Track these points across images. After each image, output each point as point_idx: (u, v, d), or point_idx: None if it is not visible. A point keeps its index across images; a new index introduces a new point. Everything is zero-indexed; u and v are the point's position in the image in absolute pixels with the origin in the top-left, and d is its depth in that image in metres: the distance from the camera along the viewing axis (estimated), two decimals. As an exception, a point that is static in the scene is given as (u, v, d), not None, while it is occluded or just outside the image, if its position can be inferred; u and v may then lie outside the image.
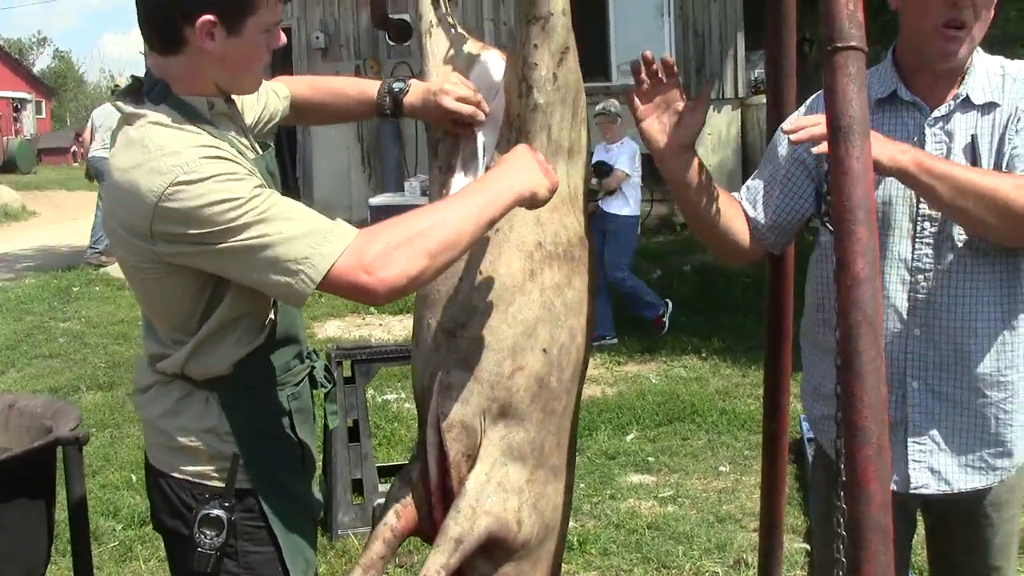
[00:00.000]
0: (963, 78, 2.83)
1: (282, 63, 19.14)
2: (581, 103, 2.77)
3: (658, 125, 2.73)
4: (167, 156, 2.21)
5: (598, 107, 10.32)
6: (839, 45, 2.15)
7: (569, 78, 2.70)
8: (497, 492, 2.60)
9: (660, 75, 2.69)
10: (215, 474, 2.49)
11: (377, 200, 15.84)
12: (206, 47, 2.32)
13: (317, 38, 18.03)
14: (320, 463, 6.24)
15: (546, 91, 2.66)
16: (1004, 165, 2.74)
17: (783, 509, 3.72)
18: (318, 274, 2.18)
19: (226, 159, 2.26)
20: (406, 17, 3.08)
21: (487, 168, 2.75)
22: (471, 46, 2.96)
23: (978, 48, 2.84)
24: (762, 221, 3.01)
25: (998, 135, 2.78)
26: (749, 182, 3.08)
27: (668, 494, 6.43)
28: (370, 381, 6.37)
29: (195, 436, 2.48)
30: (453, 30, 2.99)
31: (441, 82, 2.84)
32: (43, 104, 57.74)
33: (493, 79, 2.87)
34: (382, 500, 5.88)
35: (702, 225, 2.92)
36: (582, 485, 6.53)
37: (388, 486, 6.03)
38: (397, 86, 2.92)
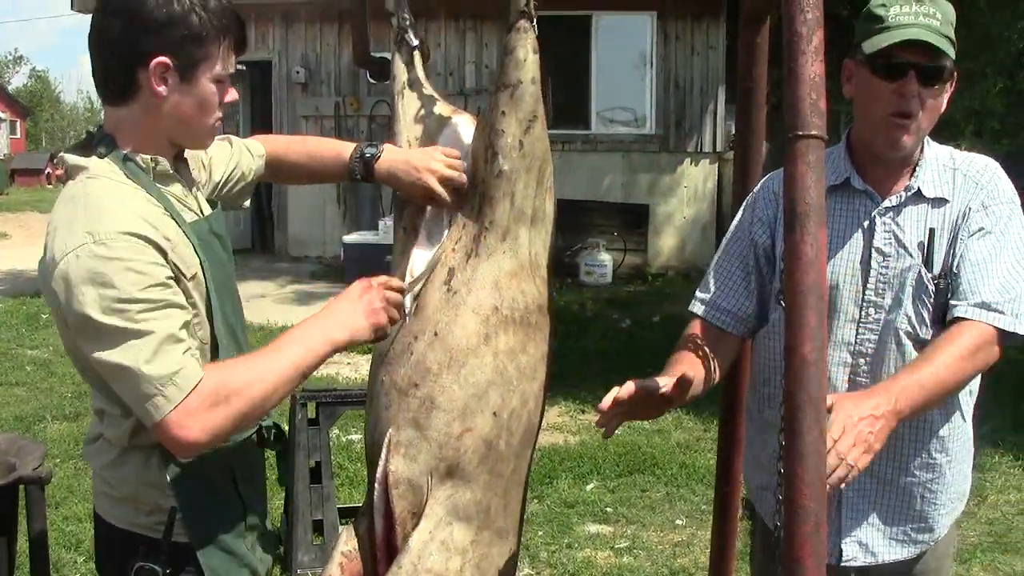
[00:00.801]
0: (914, 170, 2.90)
1: (261, 96, 19.23)
2: (548, 171, 2.82)
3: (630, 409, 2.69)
4: (87, 221, 2.25)
5: None
6: (800, 133, 2.22)
7: (536, 146, 2.75)
8: (440, 551, 2.63)
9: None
10: (154, 527, 2.50)
11: (351, 238, 15.90)
12: (158, 92, 2.36)
13: (297, 72, 18.09)
14: (281, 504, 6.29)
15: (511, 158, 2.71)
16: (954, 265, 2.80)
17: (732, 571, 3.78)
18: (159, 415, 2.22)
19: (144, 240, 2.27)
20: (388, 56, 3.13)
21: (449, 229, 2.82)
22: (442, 108, 3.01)
23: (928, 140, 2.93)
24: (752, 311, 3.08)
25: (948, 233, 2.85)
26: (715, 283, 3.11)
27: (624, 545, 6.47)
28: (334, 423, 6.42)
29: (136, 488, 2.50)
30: (425, 91, 3.04)
31: (427, 160, 2.85)
32: (18, 124, 57.55)
33: (462, 142, 2.91)
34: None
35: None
36: (540, 533, 6.58)
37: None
38: (369, 151, 2.93)
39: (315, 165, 3.06)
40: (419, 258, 2.83)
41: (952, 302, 2.77)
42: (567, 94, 17.18)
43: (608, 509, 7.08)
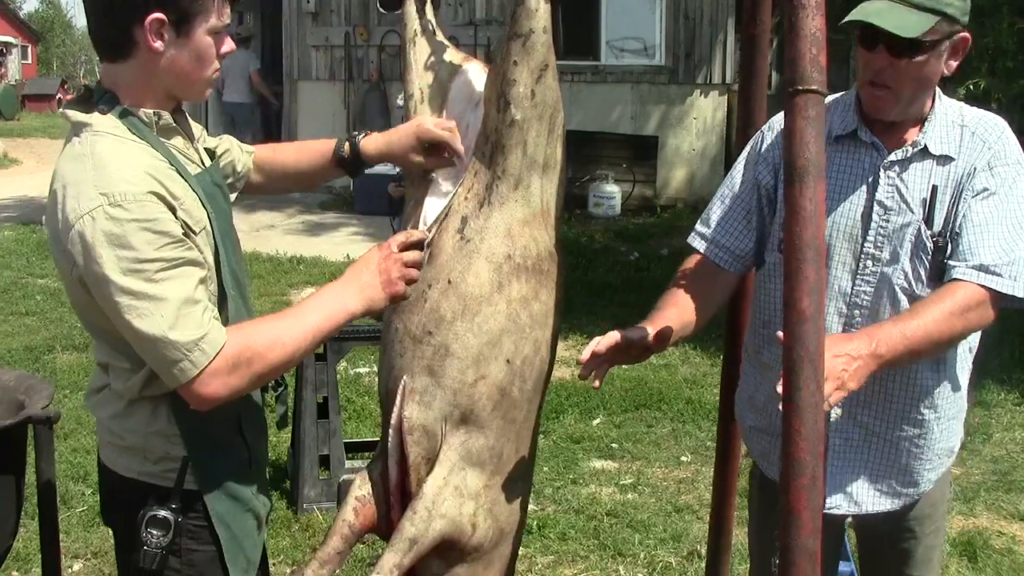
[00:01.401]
0: (923, 125, 2.89)
1: (271, 26, 19.17)
2: (558, 120, 2.83)
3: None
4: (99, 182, 2.27)
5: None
6: (800, 88, 2.23)
7: (547, 95, 2.76)
8: (454, 496, 2.69)
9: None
10: (163, 475, 2.54)
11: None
12: (155, 48, 2.36)
13: (308, 2, 18.02)
14: (287, 439, 6.37)
15: (523, 107, 2.73)
16: (955, 224, 2.81)
17: (733, 509, 3.84)
18: (185, 378, 2.31)
19: (156, 197, 2.30)
20: (398, -16, 3.12)
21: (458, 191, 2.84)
22: (453, 56, 3.02)
23: (940, 95, 2.91)
24: (751, 249, 3.09)
25: (951, 192, 2.84)
26: (717, 219, 3.13)
27: (629, 481, 6.54)
28: (341, 358, 6.47)
29: (144, 438, 2.53)
30: (436, 39, 3.04)
31: (414, 123, 2.92)
32: (29, 49, 57.27)
33: (474, 90, 2.93)
34: (348, 476, 5.99)
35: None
36: (546, 468, 6.64)
37: (355, 462, 6.15)
38: (355, 134, 2.99)
39: (303, 159, 3.08)
40: (432, 207, 2.87)
41: (950, 263, 2.79)
42: (577, 26, 17.09)
43: (614, 445, 7.14)
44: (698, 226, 3.16)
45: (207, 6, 2.40)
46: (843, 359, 2.54)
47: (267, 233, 13.93)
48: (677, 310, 2.99)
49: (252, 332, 2.41)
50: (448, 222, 2.78)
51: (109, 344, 2.49)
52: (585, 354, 2.72)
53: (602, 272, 12.27)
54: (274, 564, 5.40)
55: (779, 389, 2.30)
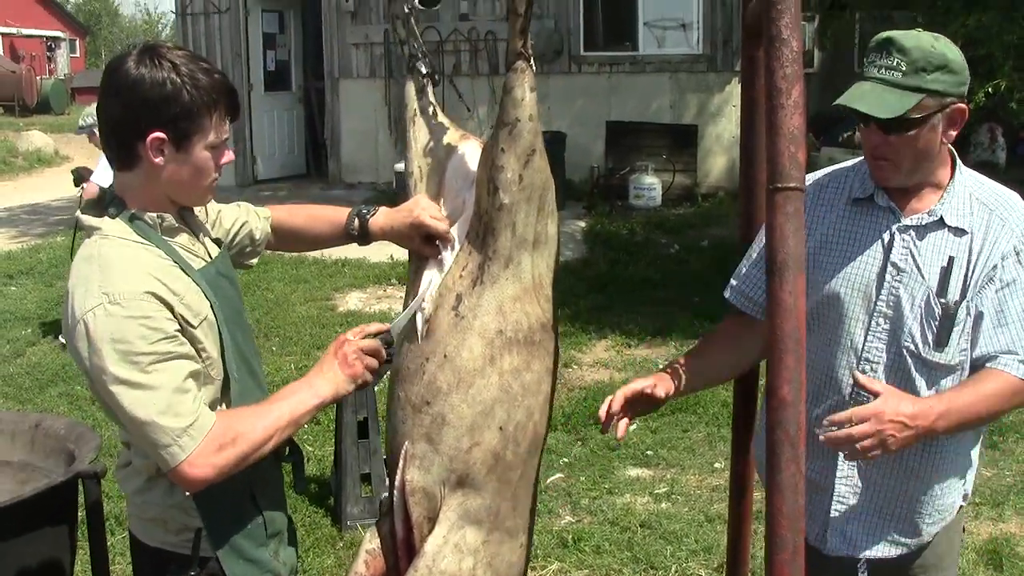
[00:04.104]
0: (943, 194, 3.01)
1: (313, 24, 19.36)
2: (548, 197, 2.96)
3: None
4: (103, 282, 2.53)
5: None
6: (779, 185, 2.38)
7: (535, 178, 2.90)
8: (453, 553, 2.88)
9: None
10: (183, 544, 2.79)
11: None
12: (157, 162, 2.63)
13: (347, 1, 18.19)
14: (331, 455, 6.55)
15: (511, 192, 2.87)
16: (971, 299, 2.93)
17: (748, 546, 3.96)
18: (174, 462, 2.54)
19: (152, 296, 2.54)
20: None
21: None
22: (451, 136, 3.18)
23: (960, 166, 3.02)
24: None
25: (966, 265, 2.94)
26: (744, 273, 3.28)
27: (663, 490, 6.71)
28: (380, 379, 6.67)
29: (164, 511, 2.79)
30: (435, 119, 3.20)
31: (416, 203, 3.11)
32: (77, 42, 57.82)
33: (469, 169, 3.08)
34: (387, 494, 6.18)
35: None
36: (583, 478, 6.81)
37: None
38: (365, 210, 3.23)
39: (314, 227, 3.34)
40: (429, 278, 3.06)
41: (995, 353, 2.93)
42: (613, 14, 17.16)
43: (649, 452, 7.30)
44: (732, 277, 3.32)
45: (204, 125, 2.65)
46: (897, 425, 2.72)
47: (312, 233, 14.07)
48: (700, 360, 3.20)
49: (234, 417, 2.65)
50: (444, 299, 2.94)
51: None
52: (602, 410, 3.01)
53: (643, 266, 12.37)
54: (319, 584, 5.62)
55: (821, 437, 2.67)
